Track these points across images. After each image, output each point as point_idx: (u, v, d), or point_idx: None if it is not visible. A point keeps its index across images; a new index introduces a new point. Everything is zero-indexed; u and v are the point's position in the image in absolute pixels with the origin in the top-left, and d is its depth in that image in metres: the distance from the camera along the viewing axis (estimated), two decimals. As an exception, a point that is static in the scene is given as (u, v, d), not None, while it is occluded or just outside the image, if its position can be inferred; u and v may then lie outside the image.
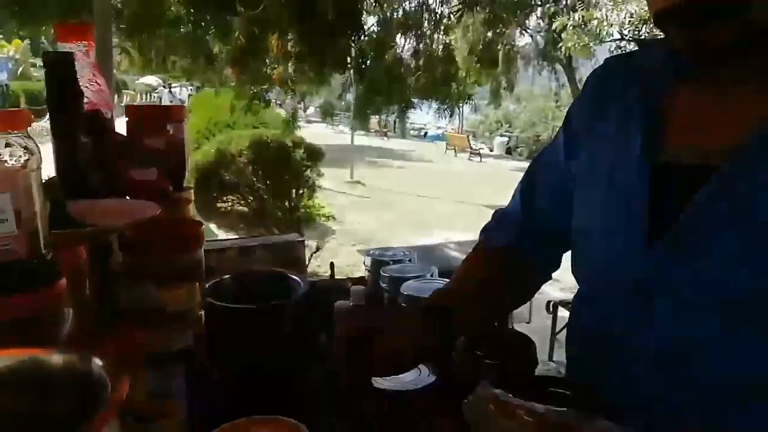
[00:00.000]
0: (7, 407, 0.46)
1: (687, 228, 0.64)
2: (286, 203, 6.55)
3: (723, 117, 0.65)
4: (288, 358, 1.03)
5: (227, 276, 1.11)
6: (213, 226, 6.53)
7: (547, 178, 0.88)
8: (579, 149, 0.81)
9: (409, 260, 1.34)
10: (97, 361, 0.46)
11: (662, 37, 0.70)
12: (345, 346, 0.84)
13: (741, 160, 0.61)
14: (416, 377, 0.89)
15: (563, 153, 0.84)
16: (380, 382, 0.87)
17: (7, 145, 0.53)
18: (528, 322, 3.68)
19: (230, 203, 6.89)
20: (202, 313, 0.84)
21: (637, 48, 0.88)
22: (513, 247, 0.90)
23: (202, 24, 5.48)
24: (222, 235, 6.21)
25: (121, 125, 1.12)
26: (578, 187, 0.80)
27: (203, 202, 6.60)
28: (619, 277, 0.71)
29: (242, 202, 6.79)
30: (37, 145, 0.55)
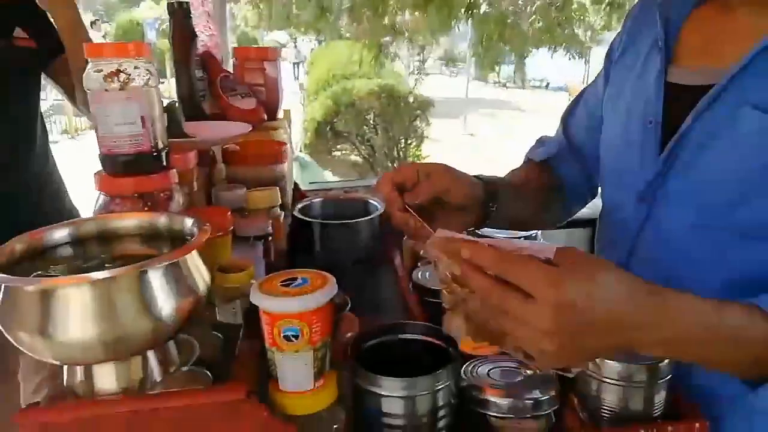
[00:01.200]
0: (131, 249, 0.68)
1: (683, 139, 0.72)
2: (395, 152, 6.78)
3: (729, 38, 0.72)
4: (364, 265, 1.22)
5: (318, 198, 1.32)
6: (328, 173, 6.92)
7: (585, 103, 0.99)
8: (613, 75, 0.90)
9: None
10: (189, 220, 0.66)
11: None
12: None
13: (732, 76, 0.68)
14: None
15: (602, 81, 0.94)
16: (422, 281, 1.02)
17: (135, 68, 0.73)
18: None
19: (344, 151, 7.25)
20: (282, 213, 1.05)
21: None
22: (552, 160, 1.00)
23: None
24: (333, 179, 6.59)
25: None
26: (607, 107, 0.90)
27: (319, 150, 7.01)
28: (632, 183, 0.80)
29: (355, 150, 7.12)
30: (156, 70, 0.75)
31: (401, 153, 6.86)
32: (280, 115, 1.35)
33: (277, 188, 1.02)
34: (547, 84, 19.18)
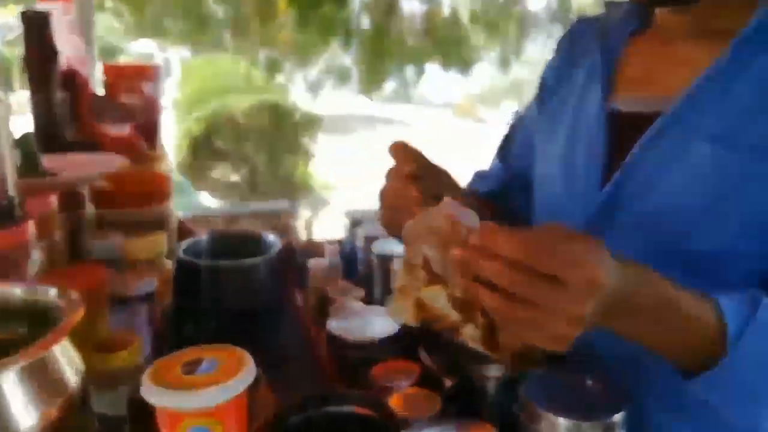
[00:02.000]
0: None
1: (631, 169, 0.70)
2: (280, 171, 6.60)
3: (670, 67, 0.73)
4: (261, 312, 1.10)
5: (203, 236, 1.18)
6: (206, 195, 6.59)
7: (520, 131, 0.97)
8: (549, 103, 0.89)
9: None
10: (54, 292, 0.53)
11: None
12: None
13: (680, 106, 0.68)
14: (377, 327, 0.95)
15: (536, 109, 0.92)
16: (338, 331, 0.93)
17: (-29, 91, 0.58)
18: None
19: (223, 171, 6.94)
20: (169, 262, 0.91)
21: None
22: (495, 194, 0.97)
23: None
24: (215, 204, 6.29)
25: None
26: (543, 137, 0.88)
27: (195, 170, 6.66)
28: (575, 218, 0.76)
29: (235, 170, 6.84)
30: (6, 94, 0.61)
31: (286, 171, 6.68)
32: (161, 143, 1.20)
33: (164, 233, 0.88)
34: (431, 100, 19.90)
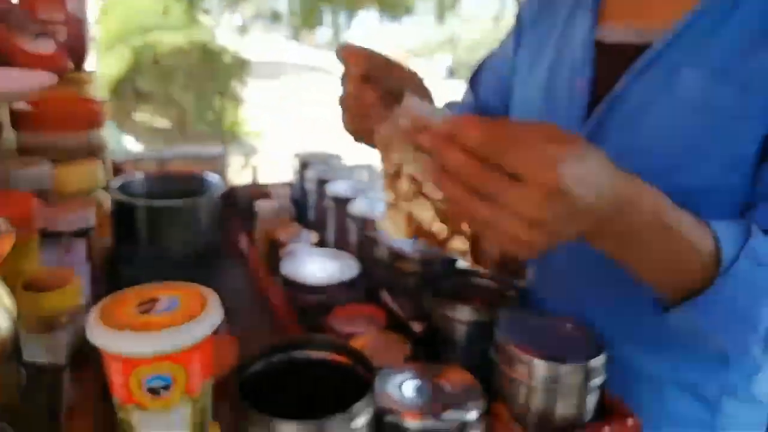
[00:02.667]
0: None
1: (617, 100, 0.69)
2: (209, 116, 6.30)
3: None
4: (204, 256, 1.02)
5: (140, 175, 1.07)
6: (130, 139, 6.24)
7: (492, 67, 0.96)
8: (527, 39, 0.87)
9: (338, 162, 1.33)
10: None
11: None
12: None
13: (669, 38, 0.66)
14: (336, 271, 0.90)
15: (512, 46, 0.91)
16: (294, 275, 0.87)
17: None
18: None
19: (149, 114, 6.55)
20: (106, 196, 0.81)
21: None
22: None
23: None
24: (140, 148, 5.94)
25: None
26: (523, 69, 0.86)
27: (117, 112, 6.25)
28: None
29: (161, 113, 6.47)
30: None
31: (216, 116, 6.38)
32: (88, 65, 1.05)
33: (98, 162, 0.77)
34: (363, 50, 19.48)
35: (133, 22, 7.54)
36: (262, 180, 1.31)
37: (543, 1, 0.86)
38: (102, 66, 6.49)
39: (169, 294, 0.46)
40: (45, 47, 0.91)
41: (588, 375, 0.62)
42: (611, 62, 0.71)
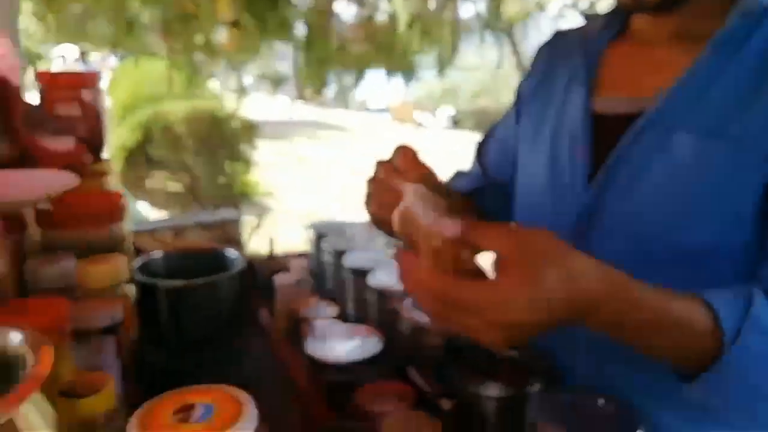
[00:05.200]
0: None
1: (615, 167, 0.71)
2: (221, 179, 6.39)
3: (650, 70, 0.74)
4: (226, 334, 1.02)
5: (158, 253, 1.09)
6: (144, 205, 6.33)
7: (497, 139, 0.99)
8: (528, 112, 0.90)
9: (353, 232, 1.34)
10: (16, 335, 0.45)
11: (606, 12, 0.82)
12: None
13: (661, 104, 0.69)
14: (359, 347, 0.90)
15: (514, 118, 0.94)
16: (320, 353, 0.87)
17: None
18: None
19: (161, 181, 6.66)
20: (132, 288, 0.82)
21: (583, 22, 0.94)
22: (475, 192, 0.97)
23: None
24: (154, 215, 6.02)
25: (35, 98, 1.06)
26: (526, 141, 0.88)
27: (131, 180, 6.36)
28: (561, 219, 0.77)
29: (174, 179, 6.58)
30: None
31: (227, 180, 6.48)
32: (105, 155, 1.09)
33: (122, 256, 0.79)
34: (368, 106, 19.98)
35: (142, 92, 7.77)
36: (279, 241, 1.31)
37: (542, 75, 0.89)
38: (114, 137, 6.66)
39: (203, 400, 0.46)
40: (64, 144, 0.94)
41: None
42: (608, 131, 0.73)
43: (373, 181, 0.70)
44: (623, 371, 0.72)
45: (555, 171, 0.80)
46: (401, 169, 0.66)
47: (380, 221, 0.71)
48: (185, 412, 0.45)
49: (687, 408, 0.71)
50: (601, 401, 0.66)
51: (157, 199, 6.53)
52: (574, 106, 0.79)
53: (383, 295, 1.00)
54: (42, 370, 0.40)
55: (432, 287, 0.51)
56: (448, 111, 18.47)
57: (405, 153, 0.66)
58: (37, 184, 0.76)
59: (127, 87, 8.10)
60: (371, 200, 0.71)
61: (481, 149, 1.02)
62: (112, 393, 0.55)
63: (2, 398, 0.37)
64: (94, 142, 1.04)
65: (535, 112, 0.87)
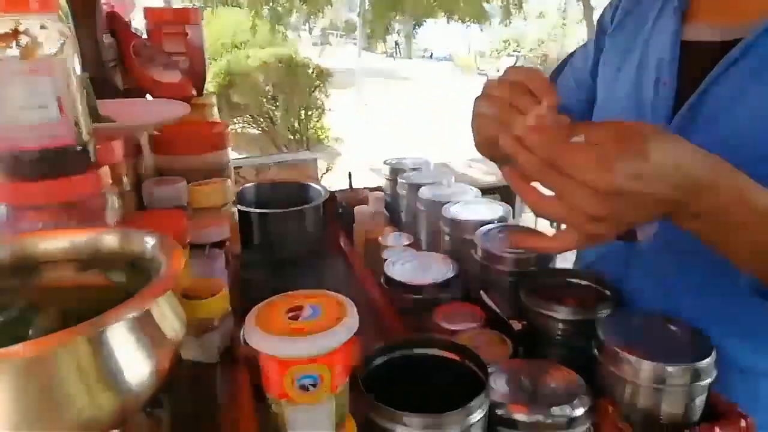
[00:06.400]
0: (72, 282, 0.48)
1: (705, 96, 0.67)
2: (296, 125, 6.47)
3: None
4: (312, 257, 1.06)
5: (251, 184, 1.13)
6: (225, 147, 6.50)
7: (572, 68, 0.94)
8: (613, 43, 0.85)
9: (427, 167, 1.34)
10: (151, 238, 0.48)
11: None
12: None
13: (755, 37, 0.64)
14: (434, 272, 0.91)
15: (592, 50, 0.89)
16: (399, 276, 0.89)
17: (42, 27, 0.51)
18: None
19: (241, 125, 6.82)
20: (235, 210, 0.86)
21: None
22: None
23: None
24: (234, 156, 6.20)
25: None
26: (605, 74, 0.84)
27: (214, 123, 6.54)
28: None
29: (252, 123, 6.72)
30: (71, 29, 0.54)
31: (302, 125, 6.56)
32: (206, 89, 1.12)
33: (227, 180, 0.83)
34: (431, 54, 19.46)
35: (224, 40, 7.84)
36: (356, 184, 1.33)
37: (629, 4, 0.84)
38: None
39: (311, 302, 0.48)
40: (172, 77, 0.98)
41: (696, 376, 0.59)
42: (698, 61, 0.69)
43: (490, 99, 0.63)
44: (691, 296, 0.70)
45: (639, 102, 0.76)
46: (535, 91, 0.60)
47: (492, 144, 0.63)
48: (296, 311, 0.47)
49: (755, 335, 0.69)
50: (673, 325, 0.65)
51: (238, 143, 6.70)
52: (663, 34, 0.74)
53: (457, 225, 1.01)
54: (175, 270, 0.43)
55: (538, 145, 0.50)
56: (510, 59, 17.76)
57: (538, 77, 0.61)
58: (152, 112, 0.80)
59: (209, 36, 8.21)
60: (486, 120, 0.65)
61: (554, 77, 0.98)
62: (226, 296, 0.58)
63: (141, 292, 0.40)
64: (197, 76, 1.07)
65: (622, 42, 0.82)
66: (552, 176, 0.49)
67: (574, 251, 0.92)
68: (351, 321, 0.46)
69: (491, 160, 0.80)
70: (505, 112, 0.61)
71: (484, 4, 7.37)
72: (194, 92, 1.00)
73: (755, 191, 0.52)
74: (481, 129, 0.69)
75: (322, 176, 5.03)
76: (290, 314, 0.46)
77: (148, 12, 1.07)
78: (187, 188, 0.77)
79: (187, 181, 0.80)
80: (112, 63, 0.94)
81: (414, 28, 7.34)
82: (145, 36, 1.05)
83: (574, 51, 0.96)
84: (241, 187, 1.00)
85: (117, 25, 0.97)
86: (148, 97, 0.98)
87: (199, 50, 1.07)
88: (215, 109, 1.07)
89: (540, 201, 0.52)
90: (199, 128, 0.90)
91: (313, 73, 6.48)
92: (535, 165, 0.50)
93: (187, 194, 0.77)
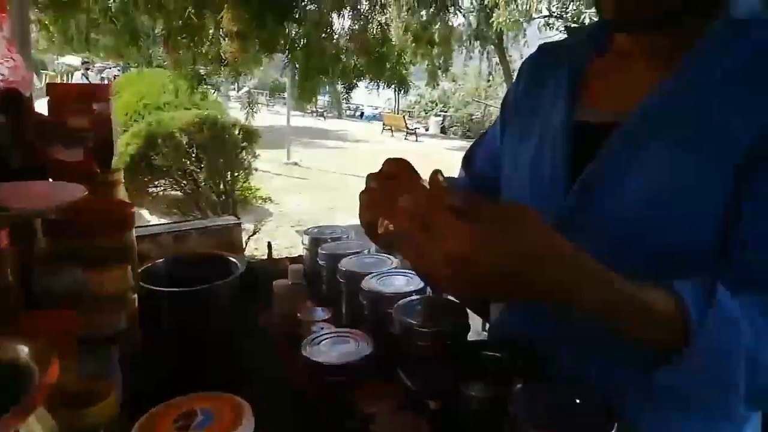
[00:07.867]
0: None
1: (593, 175, 0.73)
2: (221, 186, 6.38)
3: (630, 83, 0.76)
4: (227, 338, 1.02)
5: (161, 260, 1.09)
6: (145, 212, 6.32)
7: (481, 149, 1.01)
8: (513, 124, 0.91)
9: (347, 237, 1.35)
10: (22, 347, 0.45)
11: (588, 24, 0.78)
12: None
13: (638, 115, 0.70)
14: (352, 350, 0.90)
15: (499, 129, 0.95)
16: (315, 356, 0.87)
17: None
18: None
19: (162, 188, 6.64)
20: (136, 296, 0.82)
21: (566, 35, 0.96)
22: None
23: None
24: (155, 221, 6.00)
25: (42, 106, 1.06)
26: (511, 148, 0.89)
27: (134, 187, 6.34)
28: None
29: (175, 186, 6.56)
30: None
31: (227, 186, 6.47)
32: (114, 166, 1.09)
33: (128, 266, 0.79)
34: (362, 113, 20.00)
35: (146, 101, 7.74)
36: (276, 244, 1.31)
37: (528, 88, 0.91)
38: (119, 144, 6.62)
39: (203, 406, 0.46)
40: (74, 155, 0.94)
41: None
42: (590, 143, 0.74)
43: (366, 192, 0.71)
44: (603, 362, 0.72)
45: (537, 178, 0.81)
46: (394, 176, 0.67)
47: (375, 231, 0.71)
48: (186, 419, 0.45)
49: (661, 398, 0.71)
50: (580, 396, 0.67)
51: (158, 206, 6.51)
52: (557, 116, 0.80)
53: (375, 298, 1.01)
54: (47, 383, 0.41)
55: (414, 201, 0.54)
56: (437, 119, 18.50)
57: (397, 163, 0.67)
58: (47, 195, 0.77)
59: (130, 96, 8.07)
60: (365, 210, 0.72)
61: (469, 158, 1.03)
62: (113, 403, 0.55)
63: (11, 412, 0.37)
64: (103, 152, 1.04)
65: (521, 124, 0.88)
66: (415, 225, 0.54)
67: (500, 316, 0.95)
68: (246, 429, 0.44)
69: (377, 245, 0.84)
70: (382, 198, 0.67)
71: (411, 68, 7.67)
72: (98, 170, 0.97)
73: (621, 282, 0.57)
74: (361, 218, 0.73)
75: (248, 239, 4.94)
76: (179, 423, 0.44)
77: (51, 88, 1.04)
78: (83, 277, 0.73)
79: (85, 267, 0.76)
80: (8, 144, 0.90)
81: (349, 90, 7.52)
82: (46, 113, 1.02)
83: (483, 134, 1.03)
84: (147, 265, 0.95)
85: (14, 102, 0.94)
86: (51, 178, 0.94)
87: (107, 125, 1.05)
88: (122, 188, 1.04)
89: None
90: (99, 209, 0.87)
91: (239, 133, 6.47)
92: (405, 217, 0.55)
93: (83, 283, 0.73)
